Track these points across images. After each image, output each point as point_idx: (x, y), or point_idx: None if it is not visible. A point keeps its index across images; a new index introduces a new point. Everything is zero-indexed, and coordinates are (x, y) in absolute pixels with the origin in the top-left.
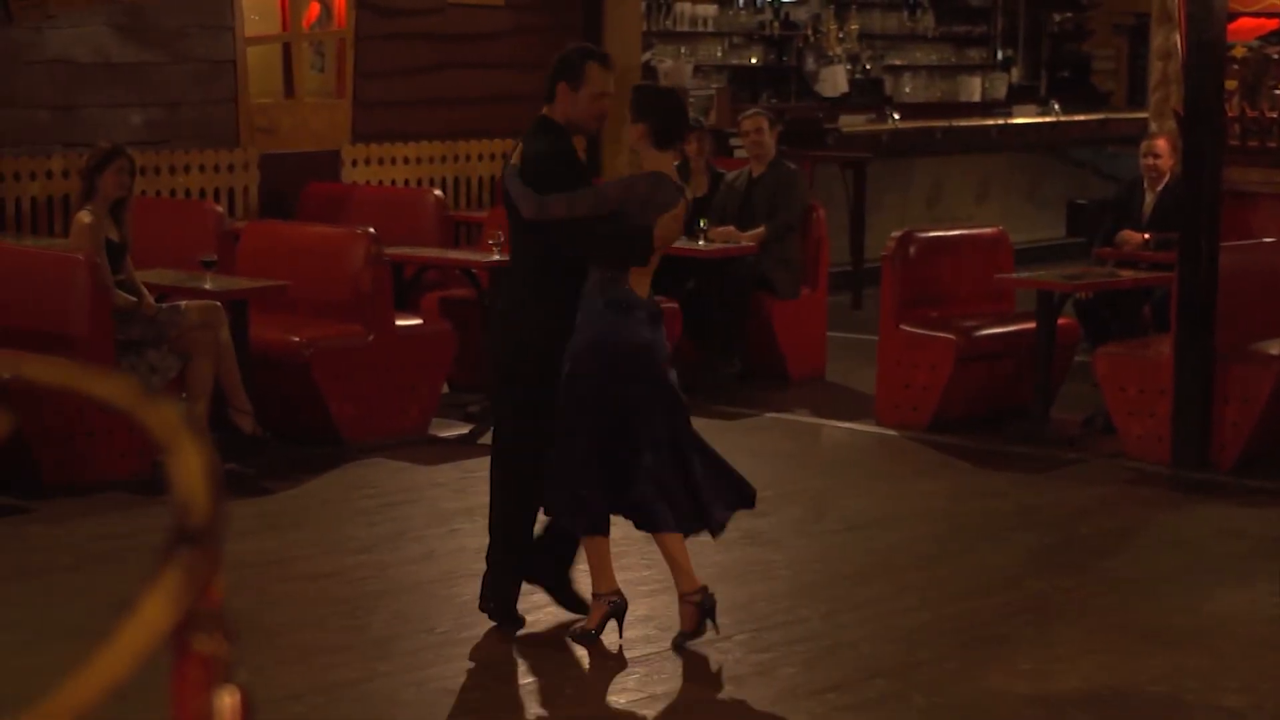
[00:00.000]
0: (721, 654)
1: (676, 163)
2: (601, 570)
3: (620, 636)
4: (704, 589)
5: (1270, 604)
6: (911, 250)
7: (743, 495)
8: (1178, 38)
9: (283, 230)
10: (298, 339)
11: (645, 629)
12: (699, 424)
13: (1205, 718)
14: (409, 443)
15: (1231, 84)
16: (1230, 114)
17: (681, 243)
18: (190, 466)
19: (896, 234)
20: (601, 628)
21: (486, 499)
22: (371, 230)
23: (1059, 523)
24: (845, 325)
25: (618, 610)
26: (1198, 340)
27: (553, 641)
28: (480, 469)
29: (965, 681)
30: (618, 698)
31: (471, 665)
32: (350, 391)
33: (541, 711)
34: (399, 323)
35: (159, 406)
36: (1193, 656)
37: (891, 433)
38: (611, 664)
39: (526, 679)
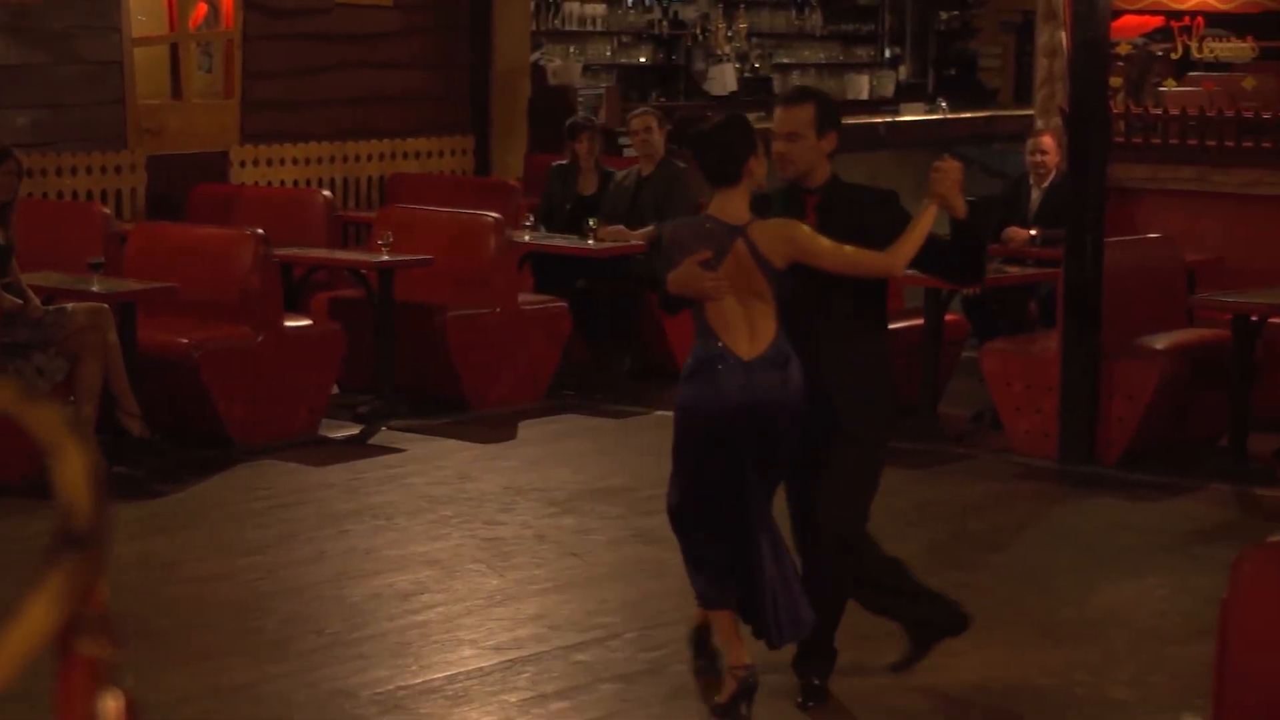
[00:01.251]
0: (612, 652)
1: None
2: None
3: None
4: (750, 667)
5: (1158, 597)
6: None
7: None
8: (1063, 35)
9: (171, 232)
10: (186, 341)
11: (535, 628)
12: (588, 423)
13: (1095, 710)
14: (298, 444)
15: (1116, 81)
16: (1115, 111)
17: (571, 242)
18: (74, 469)
19: None
20: (734, 703)
21: (377, 499)
22: (260, 231)
23: (950, 518)
24: None
25: (748, 687)
26: (1084, 336)
27: (444, 640)
28: (371, 469)
29: (858, 675)
30: (509, 697)
31: (364, 665)
32: (239, 393)
33: (431, 710)
34: (288, 324)
35: (42, 409)
36: (1082, 650)
37: None
38: (502, 663)
39: (416, 678)
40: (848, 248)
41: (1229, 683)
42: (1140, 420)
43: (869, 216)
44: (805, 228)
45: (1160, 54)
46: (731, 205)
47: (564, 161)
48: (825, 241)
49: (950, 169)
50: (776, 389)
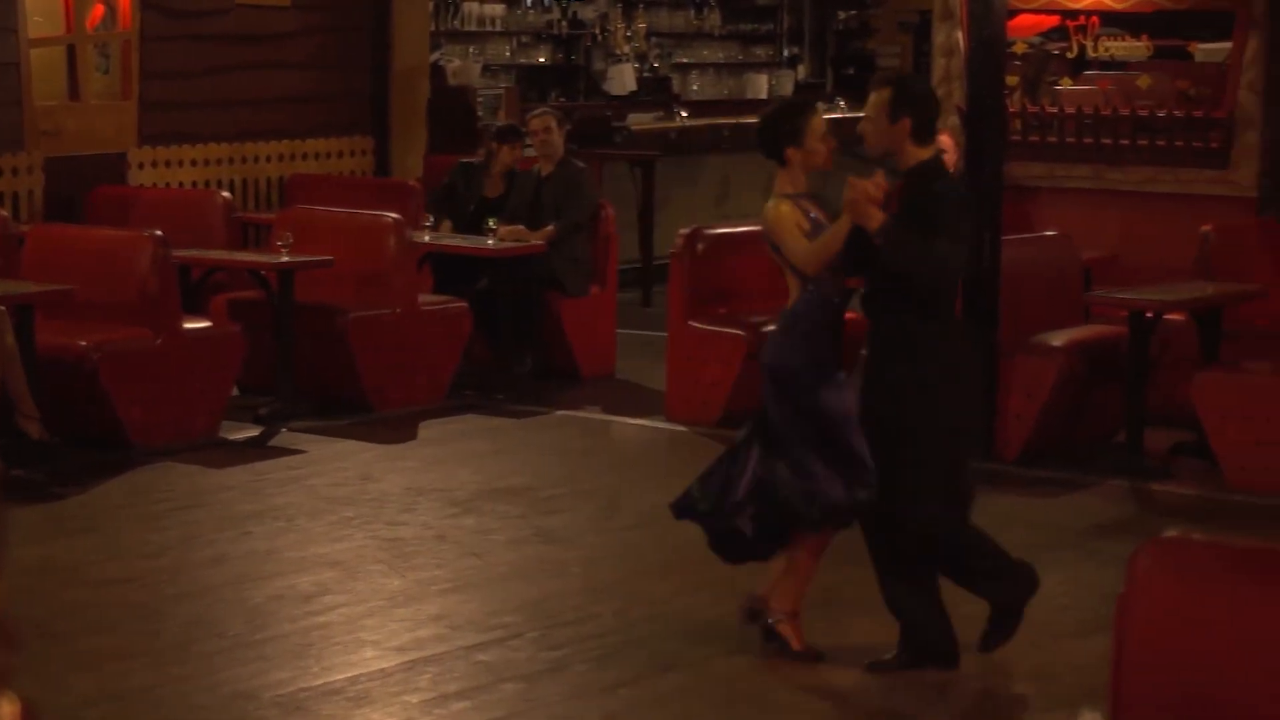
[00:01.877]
0: (513, 651)
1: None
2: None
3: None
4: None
5: (1059, 592)
6: (700, 247)
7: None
8: (960, 35)
9: (68, 234)
10: (85, 343)
11: (437, 628)
12: (489, 423)
13: (995, 705)
14: (199, 446)
15: (1013, 80)
16: (1011, 109)
17: (471, 242)
18: None
19: (685, 231)
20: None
21: (278, 500)
22: (159, 233)
23: None
24: (635, 323)
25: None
26: (981, 333)
27: (345, 642)
28: (272, 471)
29: (758, 673)
30: (411, 697)
31: (266, 667)
32: (138, 395)
33: (333, 712)
34: (187, 325)
35: None
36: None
37: (682, 429)
38: (404, 664)
39: (318, 680)
40: (804, 240)
41: (1126, 677)
42: (1038, 417)
43: (929, 207)
44: (781, 211)
45: (1056, 53)
46: (777, 182)
47: (474, 160)
48: (788, 226)
49: (859, 187)
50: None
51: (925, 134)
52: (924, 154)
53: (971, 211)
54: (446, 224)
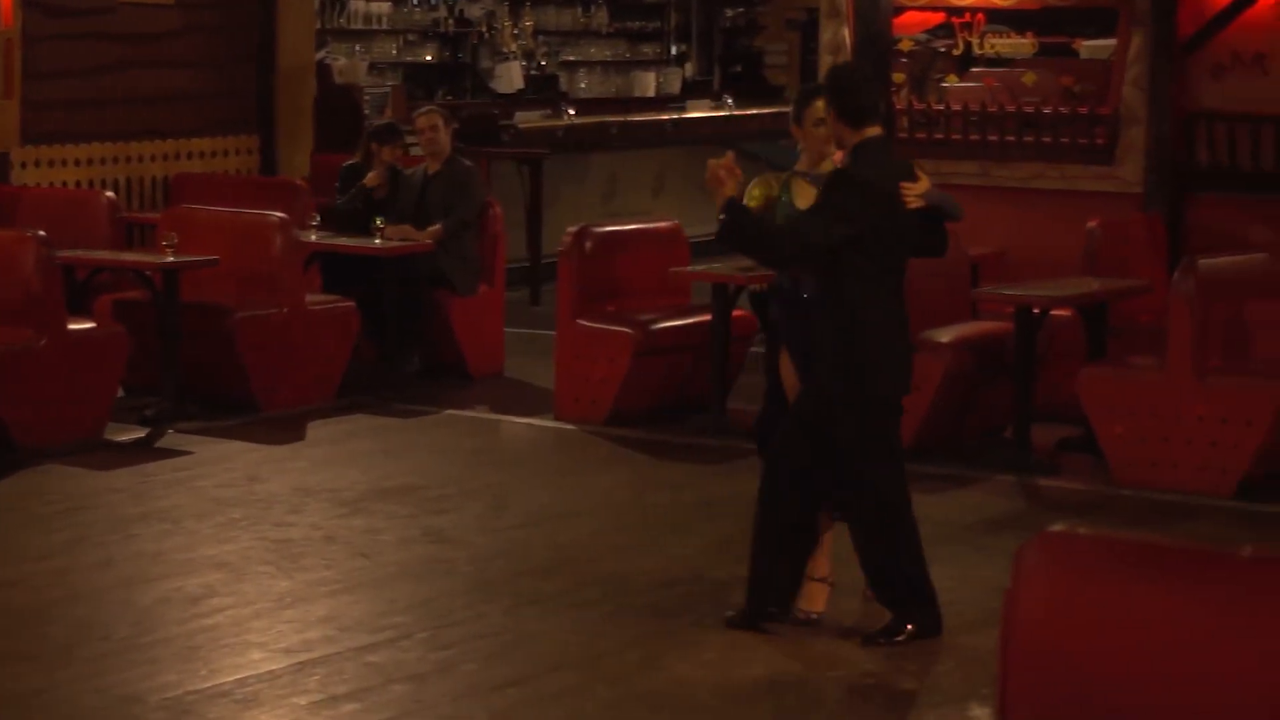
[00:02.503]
0: (403, 652)
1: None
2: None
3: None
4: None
5: (945, 588)
6: (588, 245)
7: None
8: (846, 32)
9: None
10: None
11: (325, 629)
12: (377, 423)
13: (884, 702)
14: (84, 447)
15: (899, 77)
16: (898, 106)
17: (358, 241)
18: None
19: (572, 229)
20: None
21: (164, 502)
22: (42, 233)
23: (739, 513)
24: (524, 321)
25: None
26: None
27: (233, 644)
28: (158, 472)
29: (648, 673)
30: (299, 699)
31: (153, 670)
32: (22, 396)
33: (221, 714)
34: (71, 326)
35: None
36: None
37: (570, 427)
38: (292, 666)
39: (206, 682)
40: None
41: (1012, 671)
42: (926, 412)
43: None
44: (752, 192)
45: (942, 50)
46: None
47: (355, 161)
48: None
49: (710, 166)
50: None
51: (854, 119)
52: (856, 138)
53: (845, 186)
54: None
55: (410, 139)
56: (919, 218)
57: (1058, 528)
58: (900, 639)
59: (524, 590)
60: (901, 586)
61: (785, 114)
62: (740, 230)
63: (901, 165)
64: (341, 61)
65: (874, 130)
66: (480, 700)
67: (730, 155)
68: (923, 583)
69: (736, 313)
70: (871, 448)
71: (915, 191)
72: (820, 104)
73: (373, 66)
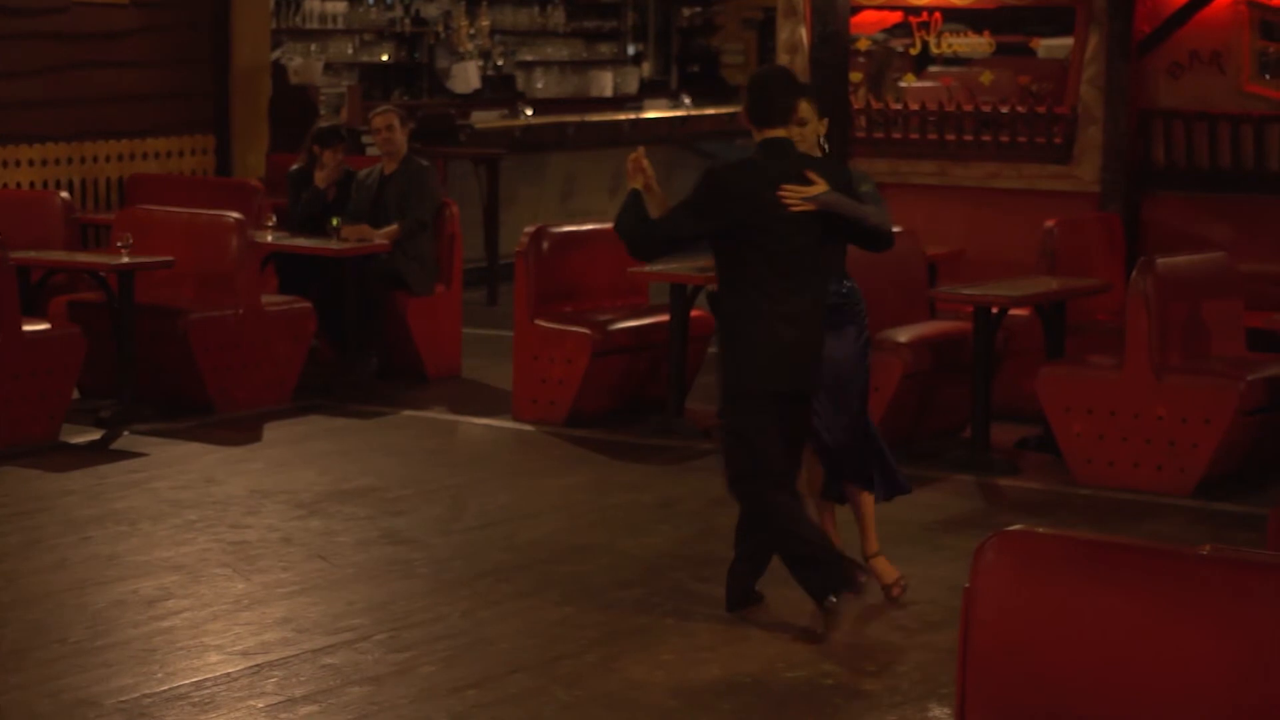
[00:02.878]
0: (361, 654)
1: None
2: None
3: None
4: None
5: (907, 587)
6: (545, 245)
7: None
8: (803, 31)
9: None
10: None
11: (283, 631)
12: (334, 424)
13: (844, 702)
14: (39, 450)
15: (856, 76)
16: (856, 106)
17: (315, 242)
18: None
19: (530, 229)
20: None
21: (120, 504)
22: None
23: (697, 514)
24: (481, 322)
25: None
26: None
27: (190, 646)
28: (113, 474)
29: (607, 674)
30: (256, 702)
31: (108, 673)
32: None
33: (178, 718)
34: (26, 328)
35: None
36: (830, 642)
37: (529, 428)
38: (250, 668)
39: (162, 685)
40: None
41: (972, 669)
42: (884, 413)
43: None
44: None
45: (900, 49)
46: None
47: (300, 166)
48: None
49: (628, 158)
50: None
51: (755, 121)
52: (759, 137)
53: (706, 183)
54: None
55: (366, 139)
56: (823, 220)
57: (1016, 527)
58: (833, 608)
59: (482, 592)
60: (811, 566)
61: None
62: (618, 221)
63: (804, 166)
64: (297, 61)
65: (776, 132)
66: (439, 702)
67: (641, 150)
68: (822, 549)
69: (694, 312)
70: (739, 438)
71: (801, 194)
72: (804, 104)
73: (328, 67)
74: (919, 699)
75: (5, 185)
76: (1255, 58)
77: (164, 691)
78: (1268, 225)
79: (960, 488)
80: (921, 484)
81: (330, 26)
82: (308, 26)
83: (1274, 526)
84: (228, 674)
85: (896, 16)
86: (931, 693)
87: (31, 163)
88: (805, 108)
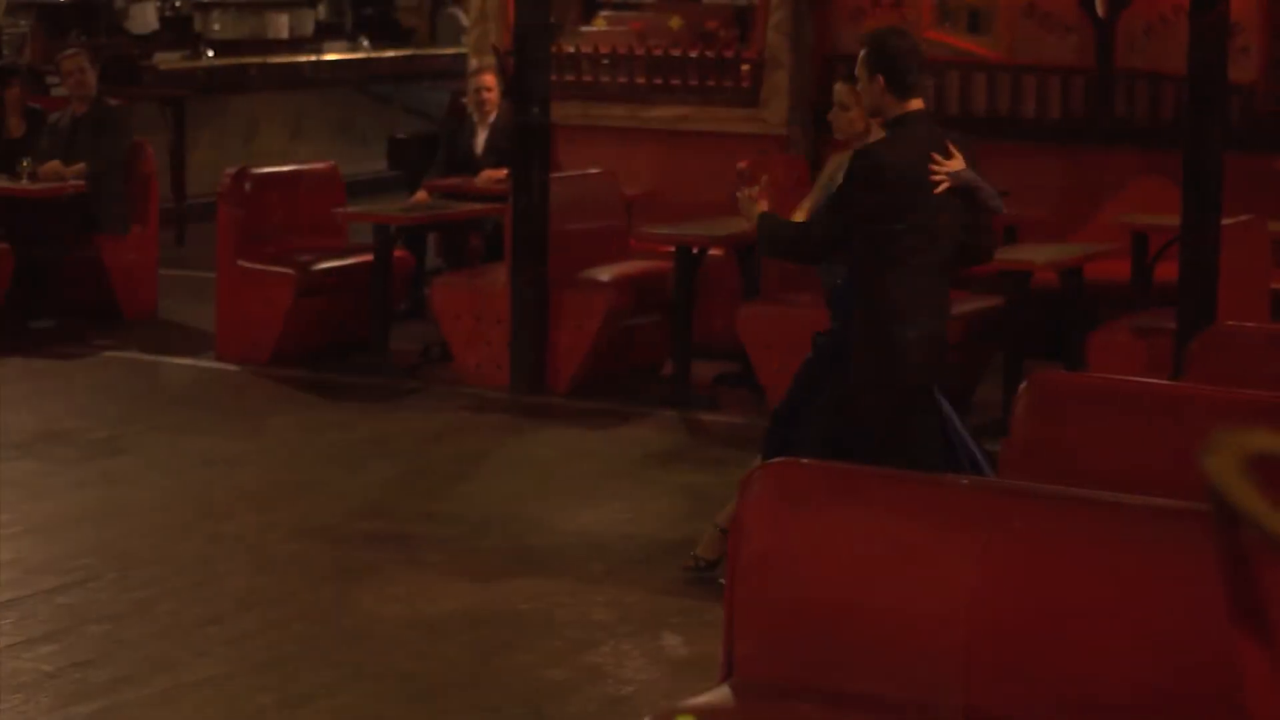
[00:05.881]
0: (94, 593)
1: None
2: None
3: None
4: None
5: (622, 520)
6: (247, 186)
7: None
8: None
9: None
10: None
11: (12, 573)
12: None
13: (579, 633)
14: None
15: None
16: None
17: (7, 182)
18: None
19: (231, 170)
20: None
21: None
22: None
23: (411, 450)
24: (171, 263)
25: None
26: (531, 269)
27: None
28: None
29: (342, 608)
30: None
31: None
32: None
33: None
34: None
35: None
36: (559, 574)
37: (234, 368)
38: None
39: None
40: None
41: (739, 595)
42: (588, 349)
43: None
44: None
45: None
46: None
47: None
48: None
49: (739, 198)
50: None
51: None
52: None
53: (864, 175)
54: None
55: (51, 79)
56: (959, 202)
57: (780, 459)
58: None
59: (207, 531)
60: None
61: (420, 56)
62: (770, 249)
63: (939, 139)
64: None
65: (916, 104)
66: (181, 639)
67: (765, 179)
68: None
69: (397, 253)
70: (890, 439)
71: (945, 169)
72: (841, 88)
73: (9, 7)
74: (653, 628)
75: None
76: (937, 5)
77: None
78: None
79: (664, 422)
80: (625, 420)
81: None
82: None
83: None
84: None
85: None
86: (663, 622)
87: None
88: (843, 90)
